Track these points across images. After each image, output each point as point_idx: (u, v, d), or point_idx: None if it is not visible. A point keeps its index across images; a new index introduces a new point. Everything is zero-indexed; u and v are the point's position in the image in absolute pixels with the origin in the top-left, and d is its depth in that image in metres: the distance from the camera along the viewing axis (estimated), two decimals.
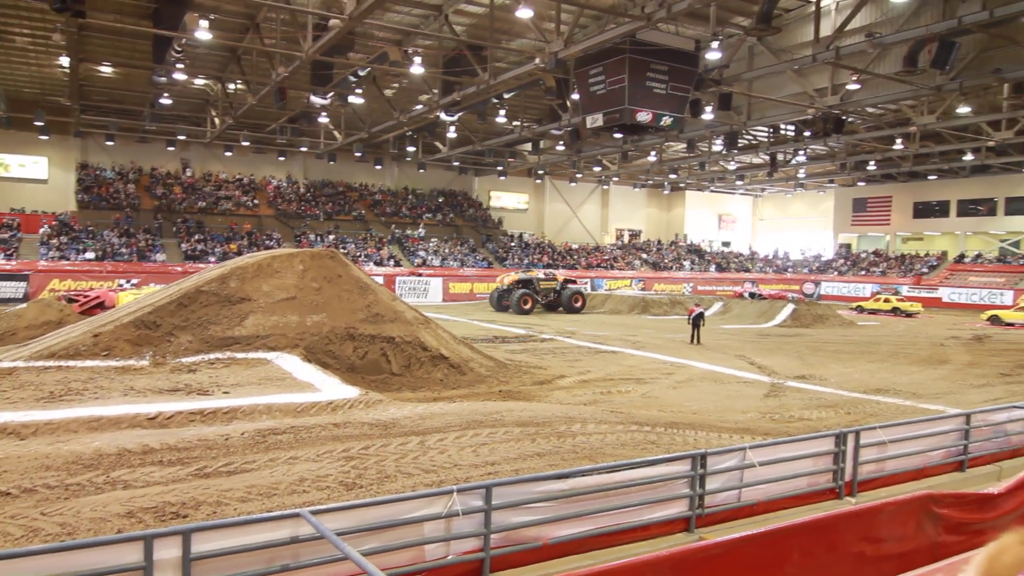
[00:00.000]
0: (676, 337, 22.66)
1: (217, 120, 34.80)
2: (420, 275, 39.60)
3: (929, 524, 5.35)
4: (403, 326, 13.77)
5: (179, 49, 22.99)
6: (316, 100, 27.84)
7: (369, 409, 9.37)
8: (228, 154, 41.53)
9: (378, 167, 46.04)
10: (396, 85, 31.49)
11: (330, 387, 10.39)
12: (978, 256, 46.93)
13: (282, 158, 43.62)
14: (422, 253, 42.99)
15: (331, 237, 40.96)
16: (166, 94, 30.74)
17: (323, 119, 34.12)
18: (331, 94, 27.40)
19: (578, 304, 33.22)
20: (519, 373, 14.47)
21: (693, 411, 11.64)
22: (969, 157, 38.15)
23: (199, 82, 32.14)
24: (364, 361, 12.78)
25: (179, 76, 26.64)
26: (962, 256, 47.47)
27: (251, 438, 7.67)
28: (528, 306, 31.80)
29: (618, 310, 34.35)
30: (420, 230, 45.69)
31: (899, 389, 14.35)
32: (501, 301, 32.84)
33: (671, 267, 52.17)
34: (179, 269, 32.06)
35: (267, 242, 38.16)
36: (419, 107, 29.89)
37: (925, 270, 47.33)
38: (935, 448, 8.67)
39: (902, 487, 7.90)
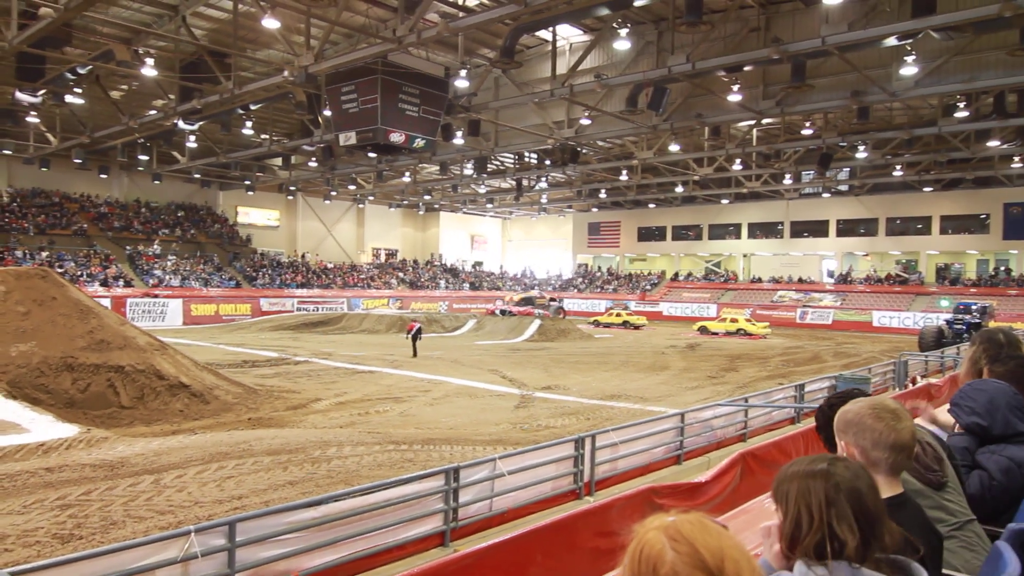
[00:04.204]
0: (433, 355, 23.08)
1: None
2: (156, 296, 36.04)
3: (651, 514, 6.01)
4: (134, 353, 12.44)
5: None
6: (23, 97, 24.18)
7: (92, 448, 8.35)
8: None
9: (103, 176, 41.18)
10: (125, 87, 28.48)
11: (41, 426, 9.08)
12: (689, 275, 54.01)
13: None
14: (158, 272, 39.13)
15: (44, 254, 35.68)
16: None
17: (33, 119, 29.75)
18: (43, 91, 23.99)
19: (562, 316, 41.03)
20: (271, 399, 13.78)
21: (449, 426, 11.93)
22: (680, 189, 43.93)
23: None
24: (86, 394, 11.32)
25: None
26: (676, 275, 54.28)
27: None
28: None
29: (376, 329, 34.14)
30: (155, 247, 41.57)
31: (629, 394, 15.98)
32: (506, 315, 38.99)
33: (427, 286, 53.12)
34: None
35: None
36: (153, 113, 27.26)
37: (648, 287, 53.35)
38: (658, 445, 9.77)
39: (632, 483, 8.76)
